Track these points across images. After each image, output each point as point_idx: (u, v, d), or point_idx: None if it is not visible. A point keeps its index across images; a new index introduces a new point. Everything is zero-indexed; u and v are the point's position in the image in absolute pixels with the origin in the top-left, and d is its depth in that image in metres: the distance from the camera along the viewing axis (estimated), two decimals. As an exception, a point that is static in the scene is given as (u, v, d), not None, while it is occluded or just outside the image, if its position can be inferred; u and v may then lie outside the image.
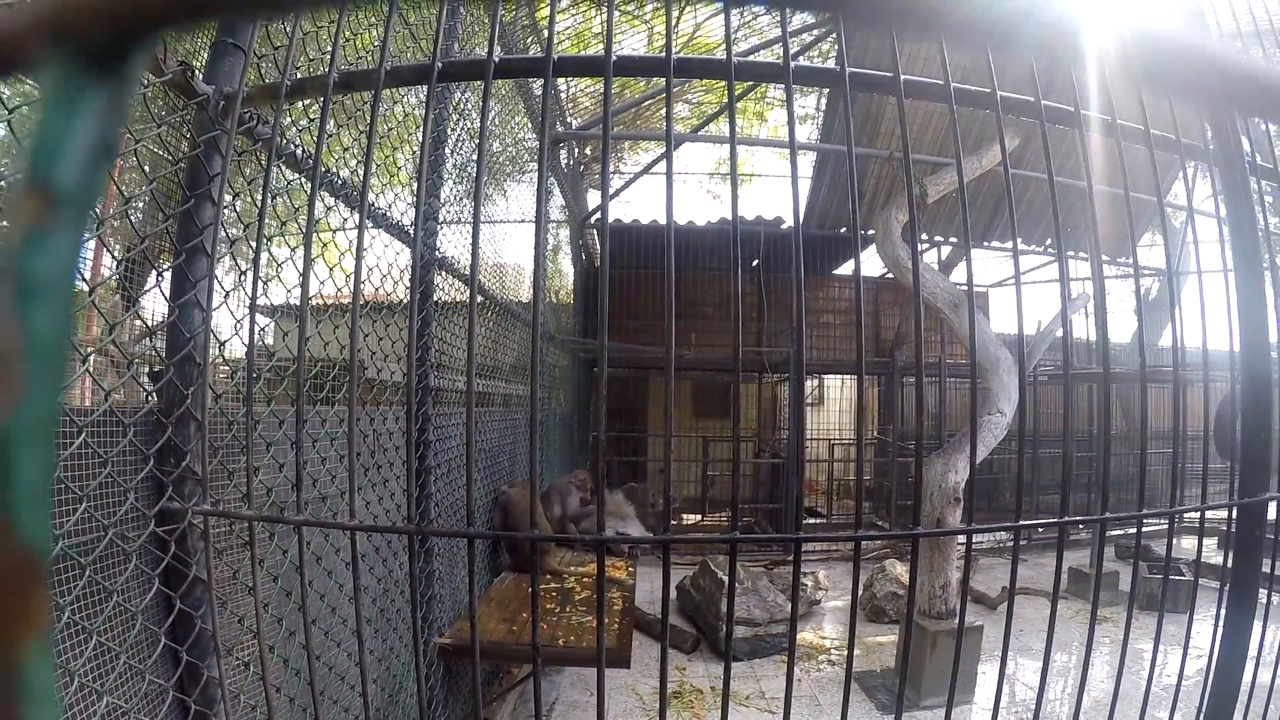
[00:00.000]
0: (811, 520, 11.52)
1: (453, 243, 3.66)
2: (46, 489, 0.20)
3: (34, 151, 0.20)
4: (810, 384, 13.34)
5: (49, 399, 0.20)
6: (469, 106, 3.77)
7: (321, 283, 2.32)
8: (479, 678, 1.32)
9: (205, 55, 1.78)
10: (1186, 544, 9.07)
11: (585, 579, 4.60)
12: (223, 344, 1.83)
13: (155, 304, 1.71)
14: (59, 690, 1.30)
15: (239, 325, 1.87)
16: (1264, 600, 1.71)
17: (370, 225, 2.62)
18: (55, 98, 0.20)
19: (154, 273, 1.66)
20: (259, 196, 1.47)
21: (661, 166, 8.94)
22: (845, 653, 1.29)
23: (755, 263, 11.35)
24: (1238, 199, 1.54)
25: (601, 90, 1.33)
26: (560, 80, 7.22)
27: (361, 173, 1.38)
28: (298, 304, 1.35)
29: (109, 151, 0.21)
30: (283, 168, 2.06)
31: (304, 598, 1.34)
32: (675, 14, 7.60)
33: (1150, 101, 1.43)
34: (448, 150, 3.44)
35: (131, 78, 0.21)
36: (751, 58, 7.04)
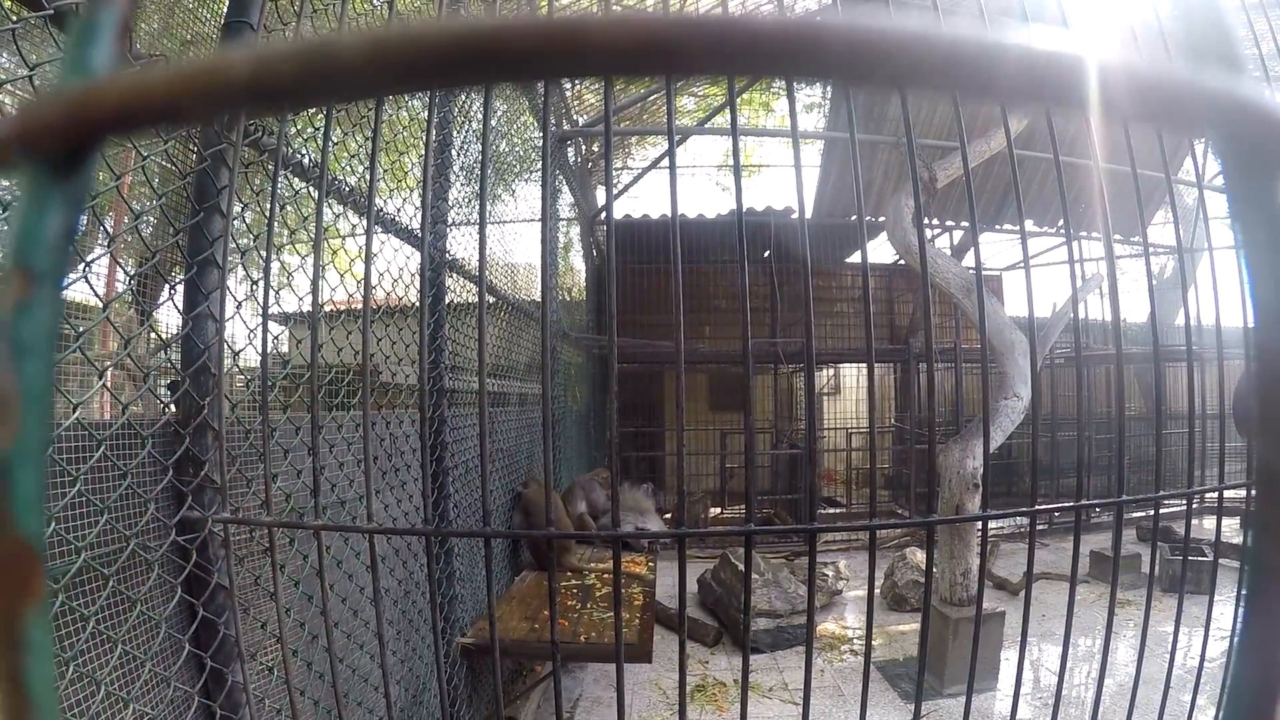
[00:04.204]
0: (831, 510, 11.50)
1: (463, 244, 3.67)
2: (40, 497, 0.27)
3: (16, 240, 0.27)
4: (826, 373, 13.31)
5: (40, 430, 0.27)
6: (474, 108, 3.77)
7: (333, 289, 2.34)
8: (500, 676, 1.33)
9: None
10: (1208, 524, 8.98)
11: (606, 575, 4.60)
12: (237, 353, 1.85)
13: (169, 316, 1.73)
14: (86, 700, 1.32)
15: (252, 334, 1.89)
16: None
17: (379, 230, 2.63)
18: (28, 196, 0.27)
19: (166, 286, 1.67)
20: (267, 206, 1.48)
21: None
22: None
23: (766, 254, 11.32)
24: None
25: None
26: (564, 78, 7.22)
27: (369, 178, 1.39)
28: (310, 311, 1.36)
29: (72, 235, 0.28)
30: (290, 177, 2.07)
31: (325, 601, 1.36)
32: (675, 5, 7.58)
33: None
34: (454, 152, 3.45)
35: (87, 176, 0.28)
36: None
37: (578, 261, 9.26)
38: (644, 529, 6.40)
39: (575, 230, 8.84)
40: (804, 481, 9.41)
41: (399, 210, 2.86)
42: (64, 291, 0.28)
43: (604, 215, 9.67)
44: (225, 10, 1.81)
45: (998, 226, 9.80)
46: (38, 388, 0.26)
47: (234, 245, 1.82)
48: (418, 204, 3.04)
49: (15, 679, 0.25)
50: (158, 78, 0.24)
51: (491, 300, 4.30)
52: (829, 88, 9.01)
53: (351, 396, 2.50)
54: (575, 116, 8.34)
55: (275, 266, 1.59)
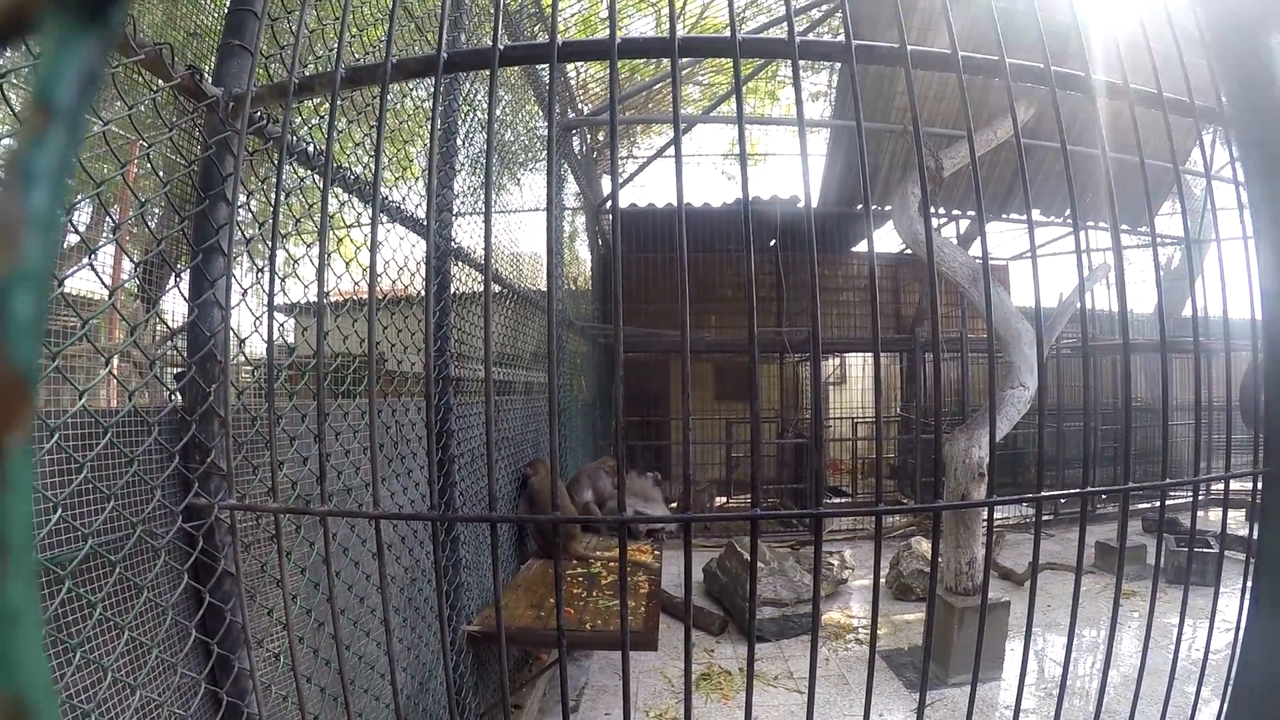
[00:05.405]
0: (837, 499, 11.52)
1: (469, 233, 3.67)
2: (38, 327, 0.28)
3: (38, 79, 0.28)
4: (832, 363, 13.29)
5: (44, 258, 0.28)
6: (479, 97, 3.76)
7: (339, 277, 2.34)
8: (506, 664, 1.33)
9: (213, 59, 1.80)
10: (1214, 516, 8.96)
11: (611, 563, 4.62)
12: (243, 341, 1.85)
13: (175, 305, 1.73)
14: (93, 686, 1.33)
15: (258, 323, 1.89)
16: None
17: (385, 219, 2.63)
18: (54, 42, 0.28)
19: (172, 274, 1.68)
20: (273, 195, 1.48)
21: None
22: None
23: (773, 242, 11.29)
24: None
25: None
26: (570, 67, 7.19)
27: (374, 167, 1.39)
28: (315, 299, 1.36)
29: (94, 81, 0.29)
30: (295, 165, 2.07)
31: (331, 588, 1.36)
32: (680, 3, 7.54)
33: (1160, 66, 1.41)
34: (460, 141, 3.45)
35: (113, 25, 0.29)
36: (759, 35, 6.94)
37: (583, 251, 9.26)
38: (645, 514, 6.41)
39: (580, 219, 8.83)
40: (810, 467, 9.42)
41: (404, 199, 2.86)
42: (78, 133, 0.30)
43: (609, 204, 9.66)
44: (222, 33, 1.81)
45: (1004, 216, 9.74)
46: (44, 217, 0.28)
47: (239, 234, 1.82)
48: (422, 193, 3.03)
49: None
50: None
51: (497, 289, 4.30)
52: (834, 75, 8.96)
53: (357, 384, 2.51)
54: (580, 105, 8.31)
55: (281, 255, 1.59)
